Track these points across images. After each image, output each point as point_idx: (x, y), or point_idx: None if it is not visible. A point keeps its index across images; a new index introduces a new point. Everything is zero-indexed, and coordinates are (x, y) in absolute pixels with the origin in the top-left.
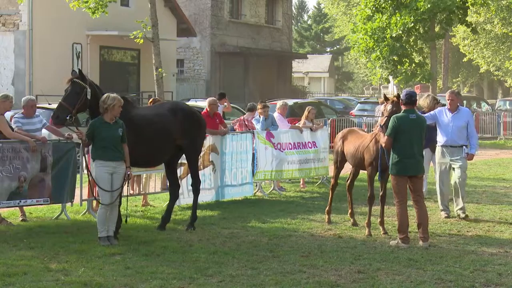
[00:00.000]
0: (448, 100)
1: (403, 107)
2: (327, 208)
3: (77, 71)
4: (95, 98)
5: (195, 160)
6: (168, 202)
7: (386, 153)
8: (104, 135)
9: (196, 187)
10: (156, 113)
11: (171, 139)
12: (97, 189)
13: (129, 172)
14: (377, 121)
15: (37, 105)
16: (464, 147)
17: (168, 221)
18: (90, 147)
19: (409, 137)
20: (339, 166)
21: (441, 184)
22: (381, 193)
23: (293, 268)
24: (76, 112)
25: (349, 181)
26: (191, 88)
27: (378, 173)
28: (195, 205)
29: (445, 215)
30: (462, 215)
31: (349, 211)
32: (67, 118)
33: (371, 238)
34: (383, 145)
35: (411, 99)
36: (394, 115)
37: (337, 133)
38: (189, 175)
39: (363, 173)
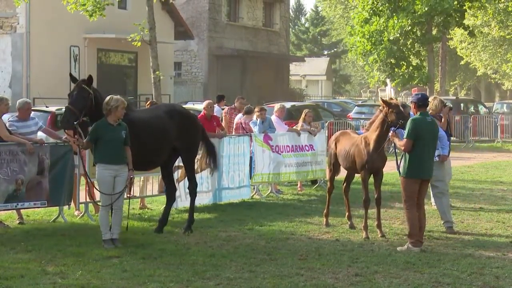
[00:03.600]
0: None
1: (415, 110)
2: (325, 211)
3: (73, 74)
4: (96, 104)
5: (191, 162)
6: (165, 205)
7: (396, 156)
8: (107, 137)
9: (192, 190)
10: (153, 115)
11: (169, 141)
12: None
13: (132, 176)
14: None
15: (34, 108)
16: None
17: (166, 224)
18: (92, 149)
19: (426, 140)
20: (333, 169)
21: None
22: (375, 196)
23: (290, 271)
24: (83, 117)
25: (344, 185)
26: (188, 91)
27: (399, 168)
28: (192, 208)
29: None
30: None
31: (347, 214)
32: (75, 123)
33: (368, 241)
34: (402, 148)
35: (425, 101)
36: (412, 118)
37: None
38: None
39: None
